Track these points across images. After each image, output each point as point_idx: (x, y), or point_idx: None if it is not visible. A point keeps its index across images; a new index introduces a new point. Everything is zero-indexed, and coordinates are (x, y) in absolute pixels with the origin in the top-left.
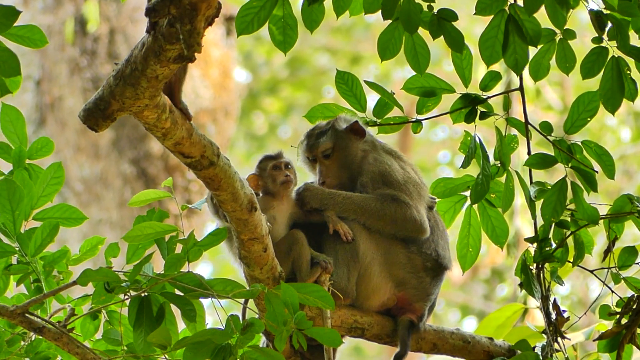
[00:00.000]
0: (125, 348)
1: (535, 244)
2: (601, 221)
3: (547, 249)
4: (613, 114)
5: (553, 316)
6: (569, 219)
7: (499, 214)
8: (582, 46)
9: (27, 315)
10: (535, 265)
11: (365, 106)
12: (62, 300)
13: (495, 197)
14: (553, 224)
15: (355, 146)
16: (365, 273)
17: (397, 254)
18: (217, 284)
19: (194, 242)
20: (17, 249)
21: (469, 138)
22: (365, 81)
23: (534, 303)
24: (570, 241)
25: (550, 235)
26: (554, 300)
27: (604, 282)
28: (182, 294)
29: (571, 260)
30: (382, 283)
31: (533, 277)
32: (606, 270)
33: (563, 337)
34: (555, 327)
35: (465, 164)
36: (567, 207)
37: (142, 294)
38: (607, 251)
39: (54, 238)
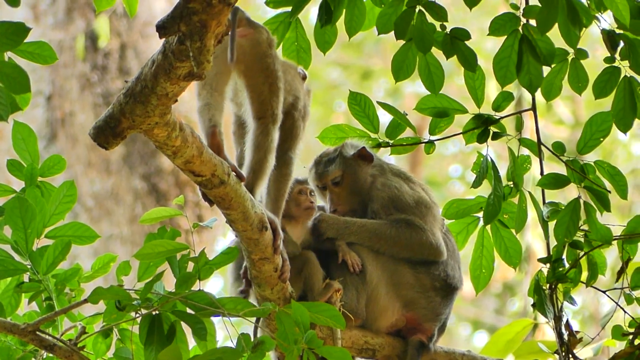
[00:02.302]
0: None
1: (548, 264)
2: (615, 241)
3: (561, 269)
4: (625, 133)
5: (565, 336)
6: (582, 240)
7: (512, 234)
8: (593, 60)
9: (38, 333)
10: (548, 285)
11: (377, 127)
12: (74, 318)
13: (508, 217)
14: (566, 244)
15: (364, 172)
16: (372, 294)
17: (404, 274)
18: (228, 303)
19: (205, 260)
20: (29, 267)
21: (482, 159)
22: (378, 102)
23: (543, 318)
24: (583, 261)
25: (564, 256)
26: (567, 320)
27: (617, 303)
28: (193, 312)
29: (584, 281)
30: (389, 304)
31: (546, 298)
32: (619, 289)
33: (576, 359)
34: (568, 347)
35: (476, 184)
36: (581, 227)
37: (153, 312)
38: (621, 272)
39: (66, 256)
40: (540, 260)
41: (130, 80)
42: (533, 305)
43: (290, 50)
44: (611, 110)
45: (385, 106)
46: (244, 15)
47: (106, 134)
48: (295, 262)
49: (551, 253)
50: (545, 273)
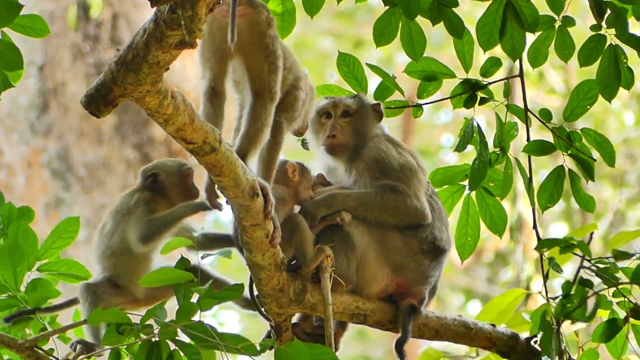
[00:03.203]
0: None
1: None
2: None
3: (569, 305)
4: (609, 102)
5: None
6: (591, 279)
7: (497, 202)
8: (584, 30)
9: (35, 349)
10: (555, 321)
11: (366, 89)
12: (67, 340)
13: (493, 185)
14: (576, 283)
15: (371, 124)
16: (361, 260)
17: (392, 239)
18: (229, 338)
19: (210, 293)
20: (19, 302)
21: (467, 125)
22: (367, 64)
23: (536, 288)
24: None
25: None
26: (569, 357)
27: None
28: (192, 342)
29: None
30: (378, 269)
31: (554, 333)
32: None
33: None
34: None
35: (459, 148)
36: (591, 266)
37: (152, 339)
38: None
39: (57, 292)
40: (549, 299)
41: (121, 49)
42: (535, 342)
43: (275, 13)
44: (596, 78)
45: (374, 68)
46: None
47: (98, 102)
48: (285, 227)
49: (562, 289)
50: (553, 307)
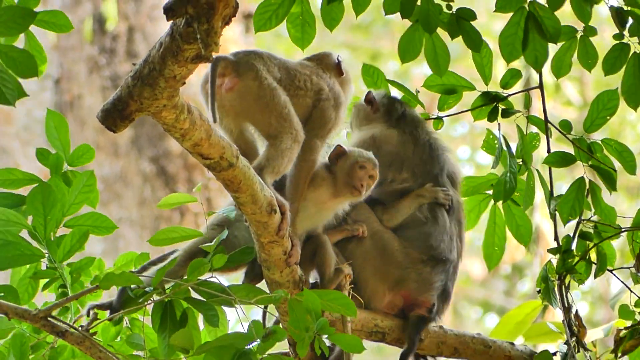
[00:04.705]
0: (149, 353)
1: (557, 255)
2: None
3: (570, 260)
4: (635, 110)
5: (574, 327)
6: (592, 231)
7: (523, 212)
8: (600, 41)
9: (49, 319)
10: (557, 276)
11: None
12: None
13: (519, 195)
14: (577, 236)
15: None
16: (359, 278)
17: (389, 253)
18: (240, 291)
19: (221, 250)
20: (45, 254)
21: (491, 136)
22: (387, 80)
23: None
24: (592, 251)
25: (574, 247)
26: (576, 311)
27: (623, 282)
28: (204, 299)
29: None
30: (378, 285)
31: (553, 287)
32: (626, 269)
33: (585, 349)
34: (578, 338)
35: (495, 164)
36: (590, 218)
37: (165, 299)
38: (638, 265)
39: (84, 245)
40: (550, 250)
41: (138, 63)
42: (538, 292)
43: (295, 24)
44: (621, 87)
45: (395, 84)
46: (229, 61)
47: (114, 116)
48: (309, 246)
49: (560, 241)
50: (555, 263)
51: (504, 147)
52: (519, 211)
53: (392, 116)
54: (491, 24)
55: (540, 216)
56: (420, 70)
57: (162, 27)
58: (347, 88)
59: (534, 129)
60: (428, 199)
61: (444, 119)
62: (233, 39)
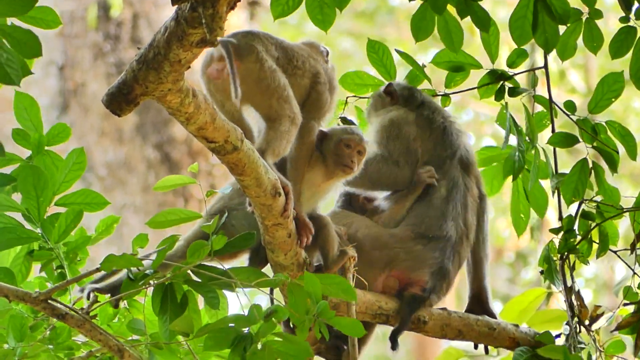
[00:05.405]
0: (149, 337)
1: (559, 235)
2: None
3: (572, 240)
4: None
5: (576, 308)
6: (594, 211)
7: (539, 184)
8: (605, 29)
9: (50, 301)
10: (559, 256)
11: (394, 76)
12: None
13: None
14: (579, 215)
15: None
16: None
17: (375, 236)
18: (241, 274)
19: (222, 234)
20: (40, 234)
21: (504, 111)
22: (396, 50)
23: (557, 287)
24: (594, 232)
25: (576, 227)
26: (578, 291)
27: (627, 264)
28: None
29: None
30: (368, 269)
31: (556, 267)
32: (630, 253)
33: (587, 329)
34: (579, 318)
35: (504, 145)
36: (593, 198)
37: (166, 282)
38: (633, 245)
39: (78, 224)
40: (552, 230)
41: (143, 47)
42: (541, 272)
43: (313, 6)
44: (629, 70)
45: (404, 55)
46: (234, 44)
47: (119, 100)
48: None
49: (563, 224)
50: (557, 243)
51: (513, 126)
52: (535, 183)
53: (411, 103)
54: (494, 12)
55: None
56: (425, 58)
57: (167, 13)
58: (334, 77)
59: (539, 109)
60: (422, 183)
61: (451, 98)
62: (238, 25)
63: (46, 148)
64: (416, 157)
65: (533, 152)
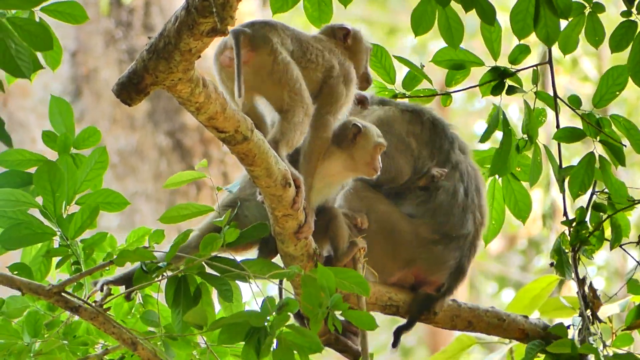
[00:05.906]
0: (163, 330)
1: (572, 224)
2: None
3: (584, 232)
4: None
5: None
6: (605, 202)
7: (523, 188)
8: (607, 23)
9: (63, 294)
10: (571, 247)
11: (394, 78)
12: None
13: (520, 170)
14: (590, 208)
15: None
16: (369, 257)
17: (397, 234)
18: (253, 266)
19: (234, 225)
20: (57, 232)
21: (497, 112)
22: (394, 56)
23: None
24: (606, 223)
25: (587, 218)
26: (590, 283)
27: (633, 258)
28: (217, 274)
29: (608, 239)
30: (387, 262)
31: (567, 259)
32: (636, 244)
33: (600, 321)
34: (592, 310)
35: (484, 138)
36: (604, 190)
37: (179, 275)
38: None
39: (94, 221)
40: (564, 222)
41: (153, 37)
42: (551, 265)
43: (312, 2)
44: (628, 63)
45: (401, 59)
46: (247, 34)
47: (129, 90)
48: (322, 219)
49: (567, 210)
50: (568, 235)
51: (501, 123)
52: (518, 186)
53: (389, 103)
54: (502, 0)
55: (557, 191)
56: (437, 45)
57: (179, 0)
58: (359, 58)
59: (545, 106)
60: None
61: (456, 95)
62: (250, 13)
63: (74, 151)
64: (411, 151)
65: (532, 150)
